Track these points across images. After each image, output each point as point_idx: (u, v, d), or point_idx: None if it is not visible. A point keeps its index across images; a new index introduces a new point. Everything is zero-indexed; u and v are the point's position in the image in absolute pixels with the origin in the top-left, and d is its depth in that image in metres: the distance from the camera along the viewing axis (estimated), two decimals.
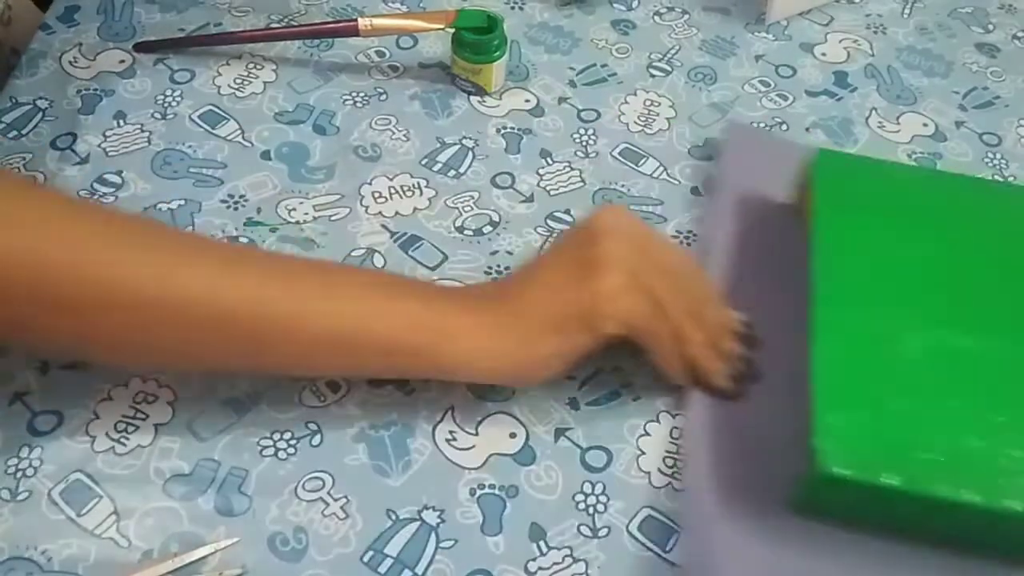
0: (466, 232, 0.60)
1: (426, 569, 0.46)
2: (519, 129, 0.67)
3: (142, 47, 0.69)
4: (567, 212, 0.61)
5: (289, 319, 0.45)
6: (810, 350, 0.48)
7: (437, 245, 0.59)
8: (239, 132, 0.65)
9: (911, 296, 0.51)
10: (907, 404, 0.46)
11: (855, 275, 0.51)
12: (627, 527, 0.48)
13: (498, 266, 0.59)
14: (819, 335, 0.49)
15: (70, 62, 0.68)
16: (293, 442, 0.50)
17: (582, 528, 0.48)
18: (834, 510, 0.47)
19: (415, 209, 0.61)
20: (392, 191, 0.62)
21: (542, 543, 0.48)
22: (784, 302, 0.54)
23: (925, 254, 0.53)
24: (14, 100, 0.65)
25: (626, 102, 0.69)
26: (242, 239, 0.58)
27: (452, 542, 0.47)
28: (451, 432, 0.51)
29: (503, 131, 0.66)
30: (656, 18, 0.76)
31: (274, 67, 0.69)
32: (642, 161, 0.65)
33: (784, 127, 0.68)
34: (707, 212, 0.61)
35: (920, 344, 0.49)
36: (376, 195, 0.62)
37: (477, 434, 0.51)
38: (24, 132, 0.63)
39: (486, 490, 0.49)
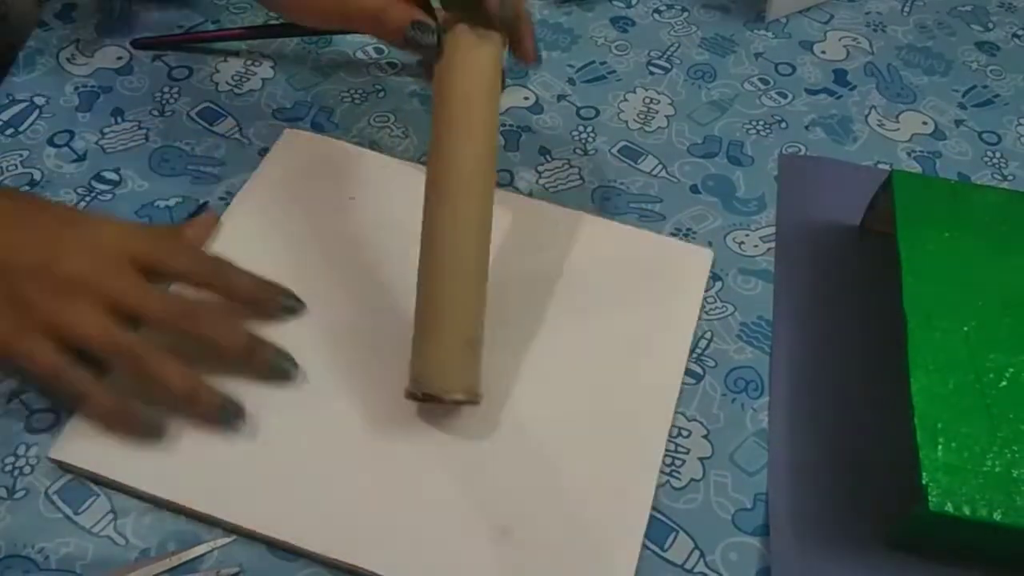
0: None
1: None
2: (518, 126, 0.66)
3: (140, 44, 0.69)
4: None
5: None
6: (906, 382, 0.48)
7: None
8: (237, 129, 0.64)
9: (998, 321, 0.50)
10: (1004, 435, 0.46)
11: (943, 300, 0.51)
12: None
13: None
14: (914, 367, 0.48)
15: (67, 59, 0.68)
16: None
17: None
18: (933, 544, 0.47)
19: None
20: None
21: None
22: (865, 326, 0.54)
23: (1009, 276, 0.52)
24: (11, 97, 0.65)
25: (625, 99, 0.69)
26: None
27: None
28: None
29: (502, 129, 0.66)
30: (655, 15, 0.76)
31: (272, 64, 0.69)
32: (641, 159, 0.65)
33: (783, 125, 0.68)
34: (775, 247, 0.60)
35: (1010, 371, 0.48)
36: None
37: None
38: (21, 129, 0.63)
39: None
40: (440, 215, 0.48)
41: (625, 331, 0.54)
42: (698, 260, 0.58)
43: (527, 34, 0.52)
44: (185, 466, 0.47)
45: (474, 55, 0.49)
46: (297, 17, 0.58)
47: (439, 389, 0.46)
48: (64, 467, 0.48)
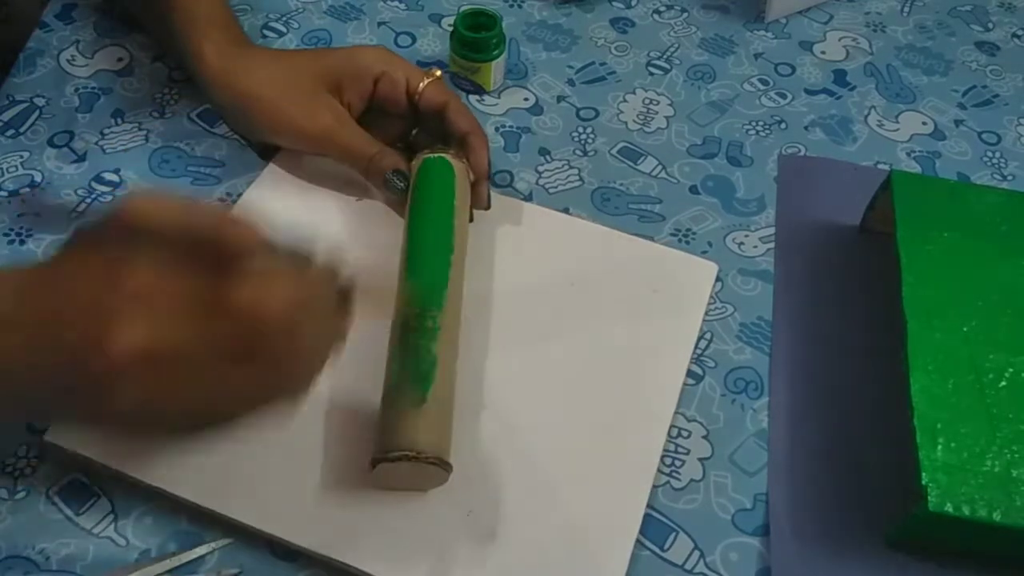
0: None
1: None
2: (518, 127, 0.67)
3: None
4: (566, 210, 0.61)
5: None
6: (906, 382, 0.48)
7: None
8: None
9: (998, 321, 0.50)
10: (1003, 435, 0.46)
11: (942, 301, 0.51)
12: None
13: None
14: (914, 368, 0.48)
15: (68, 60, 0.68)
16: None
17: None
18: (932, 544, 0.47)
19: None
20: None
21: None
22: (865, 327, 0.55)
23: (1009, 276, 0.52)
24: (11, 98, 0.65)
25: (625, 100, 0.69)
26: None
27: None
28: None
29: (502, 129, 0.66)
30: (655, 16, 0.76)
31: None
32: (641, 159, 0.65)
33: (783, 126, 0.68)
34: (775, 247, 0.60)
35: (1010, 371, 0.48)
36: None
37: None
38: (22, 130, 0.63)
39: None
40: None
41: (627, 340, 0.54)
42: (703, 273, 0.58)
43: (481, 147, 0.57)
44: (182, 458, 0.47)
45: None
46: (285, 142, 0.60)
47: (406, 447, 0.44)
48: (60, 452, 0.48)
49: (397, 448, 0.44)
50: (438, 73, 0.59)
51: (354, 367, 0.51)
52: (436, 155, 0.55)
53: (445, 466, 0.45)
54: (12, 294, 0.36)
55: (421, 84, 0.58)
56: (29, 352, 0.34)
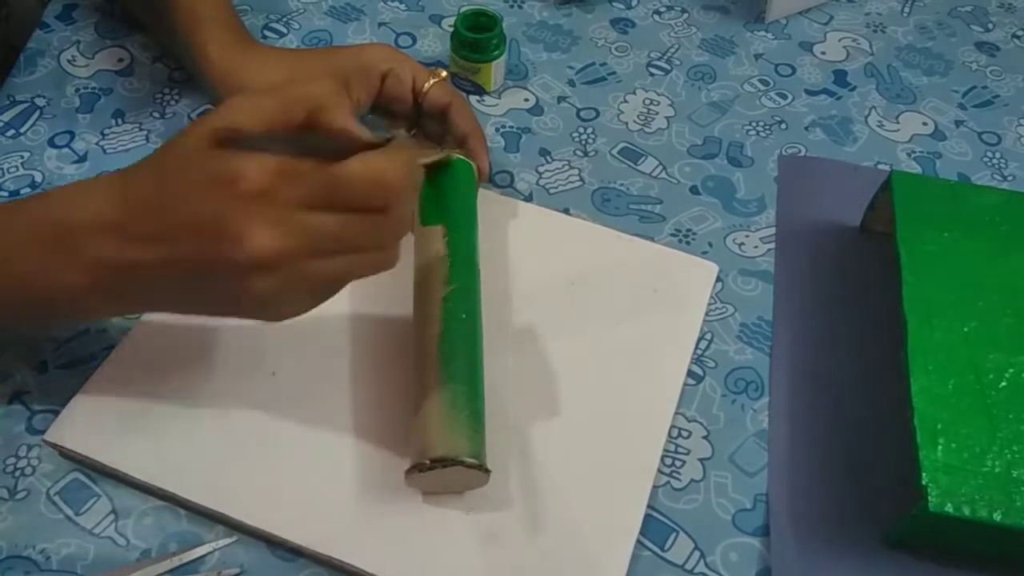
0: None
1: None
2: (518, 128, 0.67)
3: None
4: (566, 211, 0.61)
5: None
6: (906, 382, 0.48)
7: None
8: None
9: (998, 321, 0.50)
10: (1003, 435, 0.46)
11: (943, 300, 0.51)
12: None
13: None
14: (914, 368, 0.48)
15: (68, 60, 0.68)
16: None
17: None
18: (932, 544, 0.47)
19: None
20: None
21: None
22: (865, 327, 0.55)
23: (1009, 276, 0.52)
24: (12, 98, 0.65)
25: (625, 101, 0.69)
26: None
27: None
28: None
29: (502, 130, 0.66)
30: (655, 17, 0.76)
31: None
32: (641, 160, 0.65)
33: (783, 126, 0.68)
34: (775, 248, 0.60)
35: (1010, 371, 0.48)
36: None
37: None
38: (22, 130, 0.63)
39: None
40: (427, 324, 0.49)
41: (627, 341, 0.54)
42: (703, 273, 0.58)
43: (481, 149, 0.58)
44: (182, 458, 0.47)
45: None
46: None
47: (449, 452, 0.44)
48: (59, 451, 0.48)
49: (459, 454, 0.44)
50: (444, 74, 0.59)
51: (352, 364, 0.51)
52: (459, 157, 0.55)
53: (487, 472, 0.45)
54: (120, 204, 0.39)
55: (426, 84, 0.58)
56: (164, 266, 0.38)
